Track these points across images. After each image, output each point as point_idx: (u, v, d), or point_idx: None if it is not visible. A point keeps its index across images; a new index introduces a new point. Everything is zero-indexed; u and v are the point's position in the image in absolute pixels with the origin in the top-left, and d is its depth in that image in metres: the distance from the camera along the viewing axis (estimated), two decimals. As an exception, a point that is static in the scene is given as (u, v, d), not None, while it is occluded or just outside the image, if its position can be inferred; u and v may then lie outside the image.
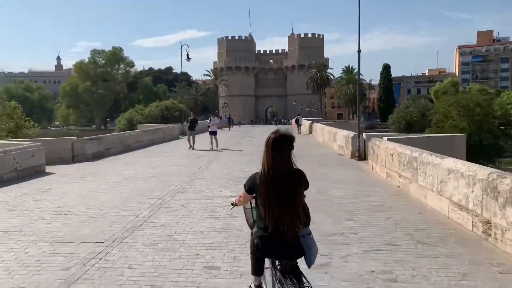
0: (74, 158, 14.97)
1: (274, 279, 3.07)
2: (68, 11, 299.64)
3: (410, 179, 8.64)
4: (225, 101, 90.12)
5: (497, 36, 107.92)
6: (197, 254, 5.09)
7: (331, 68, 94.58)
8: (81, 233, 6.05)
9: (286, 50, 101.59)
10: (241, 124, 59.08)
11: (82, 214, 7.13)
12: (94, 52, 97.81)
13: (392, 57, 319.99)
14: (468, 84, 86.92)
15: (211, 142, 19.56)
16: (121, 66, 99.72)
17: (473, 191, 5.87)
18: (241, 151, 18.94)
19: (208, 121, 21.11)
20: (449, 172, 6.69)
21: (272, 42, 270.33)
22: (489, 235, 5.39)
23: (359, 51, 15.06)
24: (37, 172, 12.01)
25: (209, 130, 20.09)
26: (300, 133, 34.38)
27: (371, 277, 4.36)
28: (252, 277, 3.39)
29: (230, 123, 48.29)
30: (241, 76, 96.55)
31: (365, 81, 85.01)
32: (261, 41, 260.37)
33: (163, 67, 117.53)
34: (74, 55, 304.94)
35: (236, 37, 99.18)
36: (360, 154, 14.53)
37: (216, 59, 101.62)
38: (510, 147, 45.40)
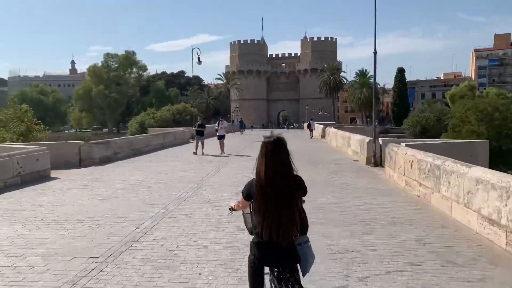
0: (81, 163, 14.66)
1: (271, 286, 3.00)
2: (82, 16, 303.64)
3: (431, 188, 8.04)
4: (237, 105, 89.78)
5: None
6: (199, 274, 4.61)
7: (344, 72, 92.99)
8: (76, 245, 5.62)
9: (299, 53, 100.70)
10: (253, 128, 58.52)
11: (80, 224, 6.71)
12: (108, 56, 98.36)
13: (406, 61, 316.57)
14: (484, 88, 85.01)
15: (220, 147, 18.91)
16: (134, 70, 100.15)
17: (506, 205, 5.28)
18: (251, 156, 18.42)
19: (217, 124, 20.47)
20: (477, 182, 6.09)
21: (284, 45, 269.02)
22: (527, 255, 4.80)
23: (375, 53, 14.48)
24: (42, 176, 11.68)
25: (217, 134, 19.53)
26: (312, 137, 33.77)
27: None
28: None
29: (242, 127, 47.78)
30: (253, 80, 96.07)
31: (379, 85, 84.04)
32: (273, 45, 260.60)
33: (175, 71, 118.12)
34: (88, 59, 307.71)
35: (248, 41, 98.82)
36: (376, 160, 13.91)
37: (228, 63, 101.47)
38: (530, 153, 44.01)
